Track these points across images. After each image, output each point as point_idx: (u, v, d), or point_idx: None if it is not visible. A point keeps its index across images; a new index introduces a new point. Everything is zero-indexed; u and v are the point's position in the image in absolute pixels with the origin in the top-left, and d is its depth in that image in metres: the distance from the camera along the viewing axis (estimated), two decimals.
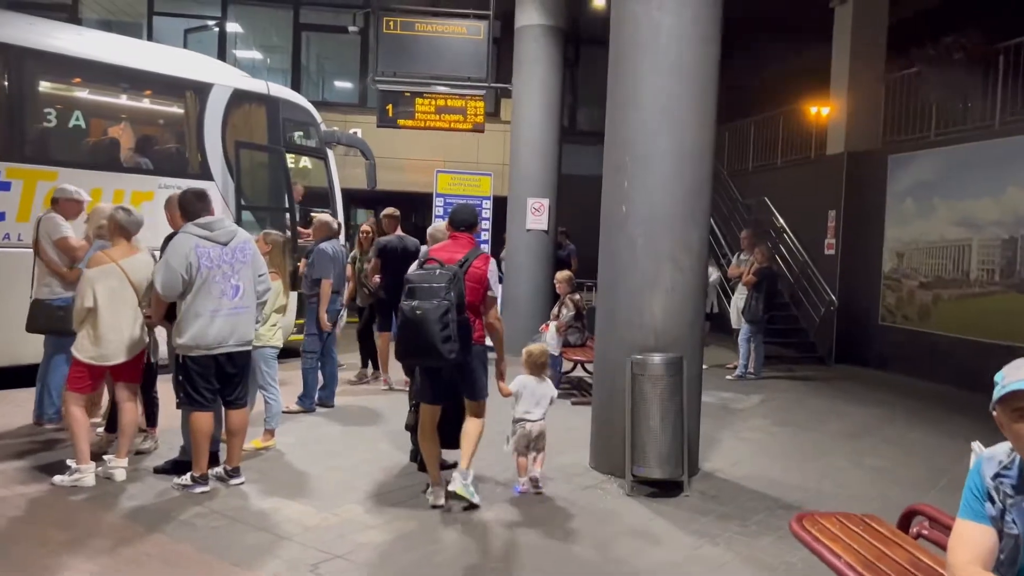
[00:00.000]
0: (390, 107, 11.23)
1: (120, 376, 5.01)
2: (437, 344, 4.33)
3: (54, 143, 8.24)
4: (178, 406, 4.94)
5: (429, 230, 5.70)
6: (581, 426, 5.96)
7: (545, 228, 11.04)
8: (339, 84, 18.66)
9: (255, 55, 17.84)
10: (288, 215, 10.00)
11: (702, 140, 5.37)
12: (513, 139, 11.29)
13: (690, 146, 5.33)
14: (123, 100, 8.97)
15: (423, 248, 7.38)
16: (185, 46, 15.13)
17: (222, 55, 15.54)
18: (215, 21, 15.97)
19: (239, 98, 9.58)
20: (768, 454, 6.46)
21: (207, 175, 9.19)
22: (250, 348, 4.97)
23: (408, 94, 11.29)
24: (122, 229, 4.99)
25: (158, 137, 9.19)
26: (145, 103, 9.23)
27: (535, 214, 10.95)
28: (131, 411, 5.05)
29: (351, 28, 14.09)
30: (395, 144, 14.80)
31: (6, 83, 7.67)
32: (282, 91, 10.29)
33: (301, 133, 10.52)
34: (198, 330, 4.68)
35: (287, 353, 8.91)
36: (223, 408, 4.99)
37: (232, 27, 16.54)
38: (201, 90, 9.19)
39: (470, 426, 4.79)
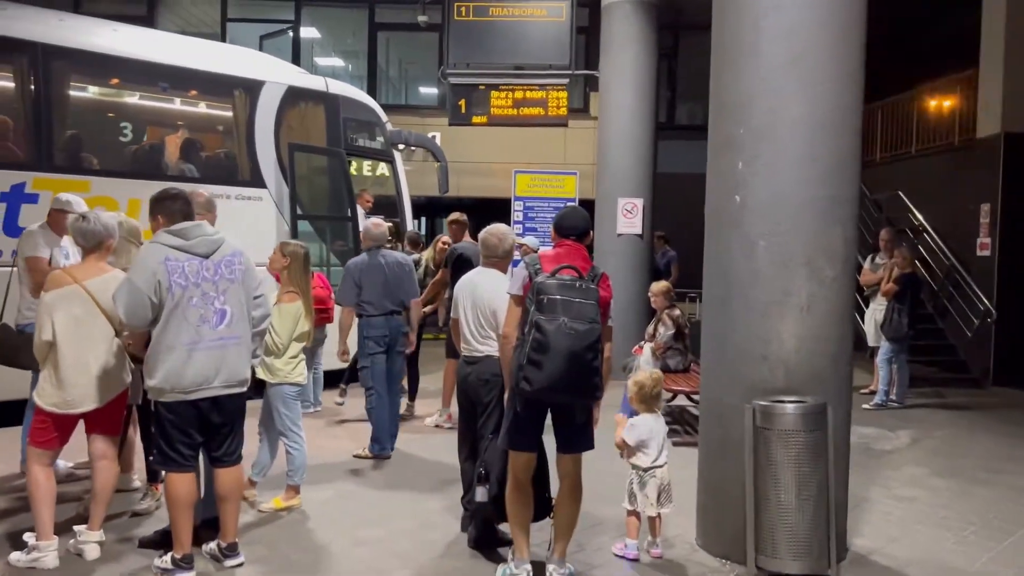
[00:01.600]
0: (463, 103, 10.11)
1: (93, 427, 3.97)
2: (589, 377, 3.47)
3: (86, 150, 7.48)
4: (152, 464, 3.86)
5: (481, 235, 4.47)
6: (686, 479, 4.57)
7: (639, 232, 9.61)
8: (418, 86, 17.82)
9: (335, 61, 17.19)
10: (350, 225, 9.00)
11: (846, 99, 3.92)
12: (601, 131, 9.93)
13: (830, 108, 3.88)
14: (164, 101, 8.18)
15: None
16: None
17: (297, 61, 14.90)
18: (289, 25, 15.34)
19: (294, 96, 8.66)
20: (935, 522, 4.86)
21: (259, 182, 8.29)
22: (242, 390, 3.83)
23: (483, 87, 10.14)
24: (82, 240, 3.95)
25: (204, 141, 8.35)
26: (189, 104, 8.41)
27: (627, 216, 9.56)
28: (107, 471, 4.00)
29: (421, 18, 13.09)
30: (472, 146, 13.72)
31: (32, 86, 6.94)
32: (342, 88, 9.32)
33: (365, 134, 9.52)
34: (172, 368, 3.59)
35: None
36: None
37: (308, 32, 15.89)
38: (251, 88, 8.31)
39: (574, 498, 3.75)
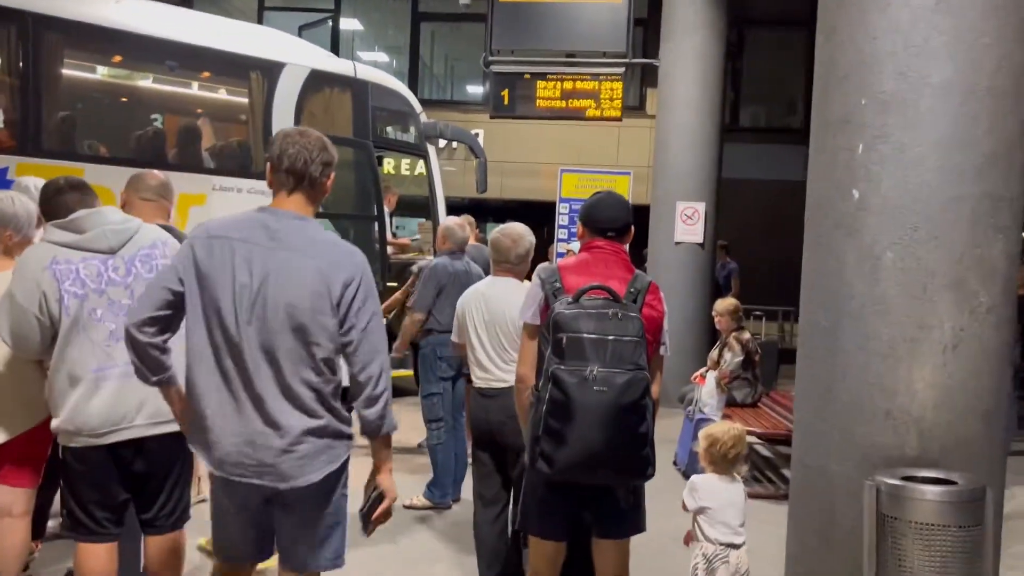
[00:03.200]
0: (506, 93, 9.14)
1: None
2: (635, 449, 2.50)
3: (79, 134, 6.70)
4: (61, 528, 2.95)
5: (492, 236, 3.55)
6: (763, 545, 3.52)
7: (700, 240, 8.51)
8: (463, 83, 16.98)
9: (377, 56, 16.44)
10: (377, 225, 8.11)
11: (1019, 59, 2.82)
12: (659, 126, 8.86)
13: (993, 70, 2.79)
14: (171, 83, 7.38)
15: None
16: None
17: (336, 55, 14.16)
18: (329, 15, 14.61)
19: (317, 81, 7.78)
20: None
21: None
22: (177, 428, 2.90)
23: (528, 76, 9.15)
24: None
25: (214, 128, 7.52)
26: (199, 86, 7.60)
27: (687, 223, 8.46)
28: (9, 534, 3.08)
29: (463, 1, 12.19)
30: (517, 145, 12.77)
31: (21, 62, 6.17)
32: (372, 74, 8.43)
33: (396, 125, 8.62)
34: (76, 405, 2.68)
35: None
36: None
37: (348, 23, 15.15)
38: (270, 71, 7.45)
39: None
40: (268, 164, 2.45)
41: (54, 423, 2.71)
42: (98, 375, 2.68)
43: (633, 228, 2.89)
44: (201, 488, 4.86)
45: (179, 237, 3.07)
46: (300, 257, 2.30)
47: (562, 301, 2.55)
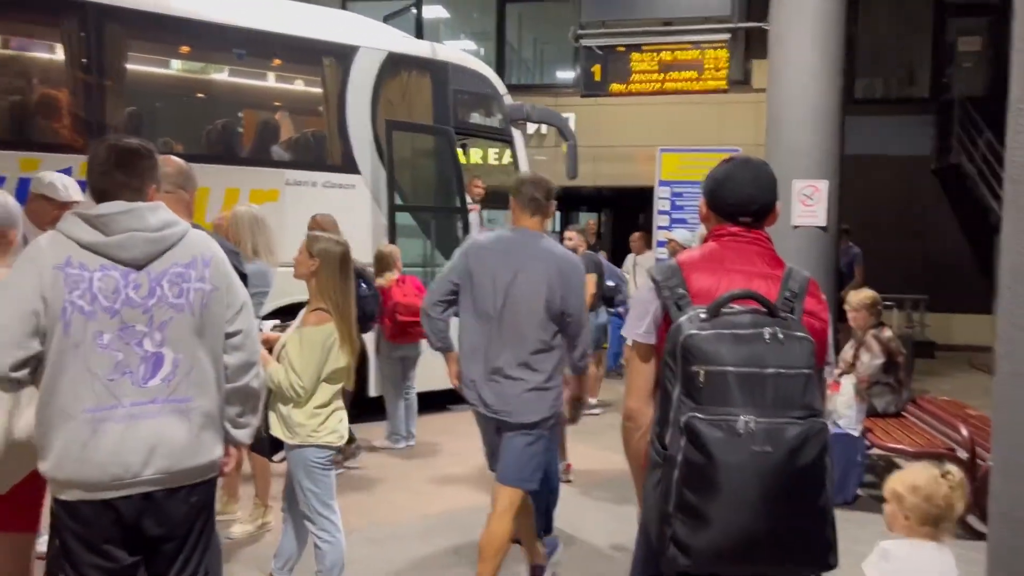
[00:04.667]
0: (597, 69, 8.34)
1: None
2: (811, 533, 1.78)
3: (146, 130, 6.37)
4: None
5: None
6: None
7: (822, 223, 7.50)
8: (552, 66, 16.25)
9: (464, 44, 15.91)
10: (460, 217, 7.53)
11: None
12: (771, 98, 7.87)
13: None
14: (239, 72, 6.99)
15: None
16: None
17: None
18: (412, 3, 14.15)
19: (394, 64, 7.27)
20: None
21: (351, 167, 6.97)
22: (200, 481, 2.33)
23: (622, 49, 8.32)
24: None
25: (286, 119, 7.10)
26: (269, 75, 7.20)
27: (805, 204, 7.46)
28: None
29: None
30: (611, 128, 11.97)
31: (84, 57, 5.85)
32: (452, 55, 7.86)
33: (479, 109, 8.01)
34: (68, 449, 2.13)
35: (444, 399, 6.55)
36: None
37: (433, 10, 14.68)
38: (343, 56, 6.98)
39: None
40: (512, 197, 3.39)
41: (41, 467, 2.19)
42: (94, 416, 2.13)
43: (778, 205, 2.14)
44: (266, 515, 4.39)
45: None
46: (537, 261, 3.27)
47: (691, 315, 1.85)
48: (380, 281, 5.99)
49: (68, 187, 3.65)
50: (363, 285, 4.96)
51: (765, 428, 1.70)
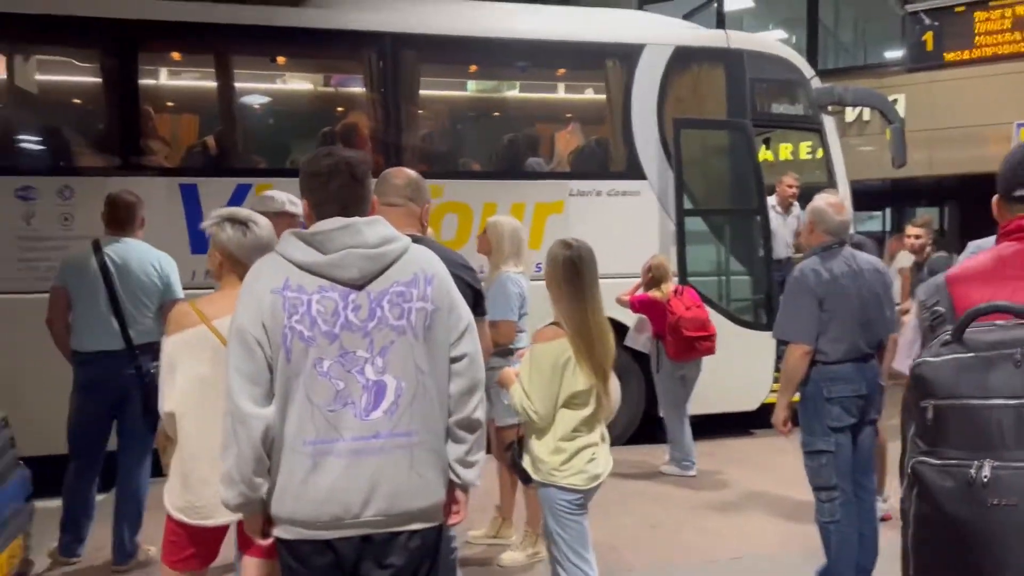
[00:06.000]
0: (929, 37, 7.07)
1: (245, 544, 2.57)
2: None
3: (437, 150, 6.58)
4: None
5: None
6: None
7: None
8: (876, 46, 14.43)
9: (773, 32, 14.76)
10: (758, 221, 6.78)
11: None
12: None
13: None
14: (520, 86, 6.95)
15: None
16: None
17: None
18: None
19: (683, 59, 6.76)
20: None
21: (636, 172, 6.60)
22: (426, 526, 2.07)
23: (961, 8, 6.95)
24: (230, 258, 2.56)
25: (568, 127, 6.92)
26: (551, 85, 7.07)
27: None
28: None
29: None
30: (948, 105, 10.11)
31: (381, 83, 6.19)
32: (749, 40, 7.13)
33: (781, 98, 7.16)
34: (288, 484, 1.99)
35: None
36: None
37: (736, 1, 13.79)
38: (627, 56, 6.63)
39: None
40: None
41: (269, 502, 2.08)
42: (316, 448, 1.96)
43: None
44: (538, 546, 4.14)
45: (445, 256, 2.23)
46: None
47: (936, 340, 1.53)
48: (656, 294, 5.53)
49: (289, 201, 3.34)
50: None
51: (1010, 475, 1.36)
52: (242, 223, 2.51)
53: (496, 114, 7.03)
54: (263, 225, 2.55)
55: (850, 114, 10.47)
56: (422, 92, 6.44)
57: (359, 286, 2.01)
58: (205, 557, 2.59)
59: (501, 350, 4.05)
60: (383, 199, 2.59)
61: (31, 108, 6.07)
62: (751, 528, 4.56)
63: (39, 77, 6.24)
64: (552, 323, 2.88)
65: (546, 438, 2.81)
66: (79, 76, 6.24)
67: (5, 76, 5.90)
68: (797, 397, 3.56)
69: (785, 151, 11.54)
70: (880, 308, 3.55)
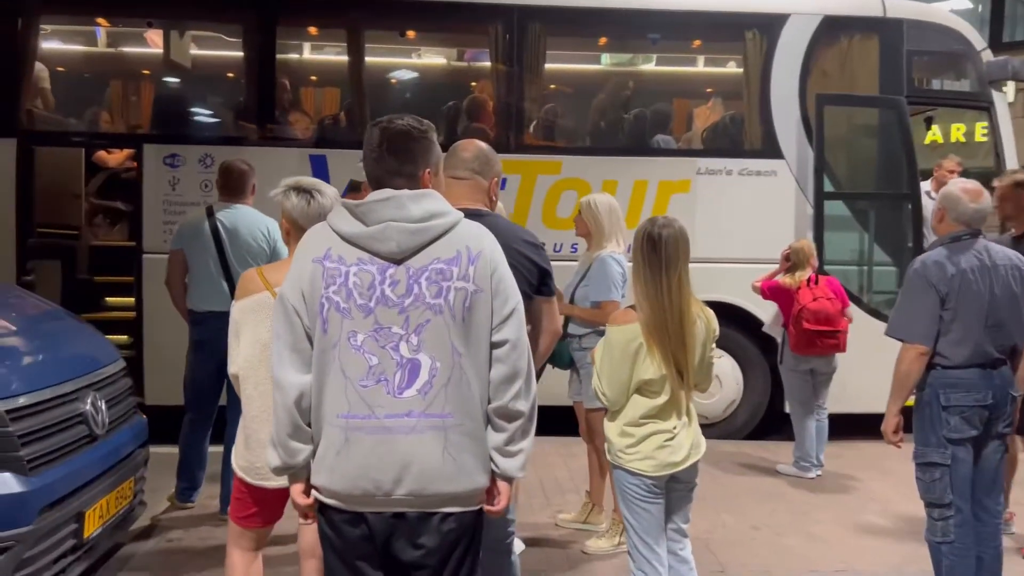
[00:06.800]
0: None
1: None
2: None
3: (559, 126, 6.46)
4: None
5: None
6: None
7: None
8: None
9: (956, 2, 13.39)
10: (909, 207, 6.20)
11: None
12: None
13: None
14: (651, 59, 6.67)
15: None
16: None
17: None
18: None
19: (831, 29, 6.30)
20: None
21: (772, 151, 6.23)
22: (463, 510, 2.00)
23: None
24: (295, 225, 2.57)
25: (699, 102, 6.59)
26: (684, 58, 6.76)
27: None
28: None
29: None
30: None
31: (507, 56, 6.14)
32: (908, 8, 6.46)
33: (944, 71, 6.51)
34: (324, 454, 1.99)
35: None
36: None
37: None
38: (769, 27, 6.23)
39: None
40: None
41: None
42: (348, 423, 1.94)
43: None
44: (620, 537, 4.01)
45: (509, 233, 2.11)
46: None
47: None
48: (788, 280, 5.16)
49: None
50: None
51: None
52: (307, 191, 2.54)
53: (625, 90, 6.79)
54: (328, 194, 2.57)
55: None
56: (547, 66, 6.34)
57: (398, 260, 1.95)
58: (268, 517, 2.67)
59: (603, 330, 3.94)
60: (449, 172, 2.52)
61: (183, 81, 6.51)
62: (864, 541, 4.19)
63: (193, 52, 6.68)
64: (631, 306, 2.73)
65: (616, 421, 2.71)
66: (226, 51, 6.62)
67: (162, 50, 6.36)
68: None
69: (957, 132, 10.51)
70: (1016, 309, 3.12)
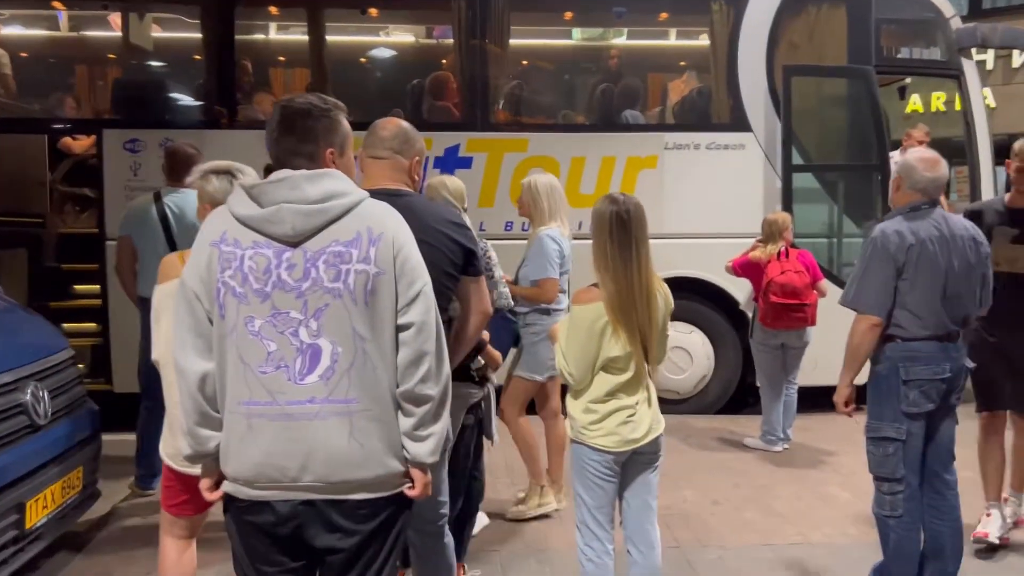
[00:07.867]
0: None
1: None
2: None
3: (524, 103, 6.39)
4: None
5: None
6: None
7: None
8: None
9: None
10: (877, 178, 6.16)
11: None
12: None
13: None
14: (616, 33, 6.59)
15: None
16: None
17: None
18: None
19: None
20: None
21: (740, 123, 6.18)
22: (372, 496, 1.98)
23: None
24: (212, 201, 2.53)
25: (665, 77, 6.53)
26: (650, 32, 6.67)
27: None
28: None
29: None
30: None
31: (469, 33, 6.05)
32: None
33: (913, 40, 6.41)
34: (228, 442, 1.96)
35: None
36: None
37: None
38: None
39: None
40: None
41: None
42: (249, 410, 1.92)
43: None
44: (546, 498, 4.04)
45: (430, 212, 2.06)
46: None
47: None
48: (757, 253, 5.12)
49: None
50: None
51: None
52: (227, 173, 2.50)
53: (588, 64, 6.72)
54: (249, 174, 2.52)
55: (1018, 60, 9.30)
56: (513, 42, 6.26)
57: (294, 243, 1.90)
58: (199, 505, 2.64)
59: (543, 308, 3.94)
60: (368, 151, 2.48)
61: (142, 65, 6.42)
62: (825, 513, 4.20)
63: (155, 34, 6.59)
64: (593, 284, 2.71)
65: (581, 399, 2.70)
66: (187, 32, 6.52)
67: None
68: None
69: (937, 101, 10.44)
70: (971, 281, 3.10)
